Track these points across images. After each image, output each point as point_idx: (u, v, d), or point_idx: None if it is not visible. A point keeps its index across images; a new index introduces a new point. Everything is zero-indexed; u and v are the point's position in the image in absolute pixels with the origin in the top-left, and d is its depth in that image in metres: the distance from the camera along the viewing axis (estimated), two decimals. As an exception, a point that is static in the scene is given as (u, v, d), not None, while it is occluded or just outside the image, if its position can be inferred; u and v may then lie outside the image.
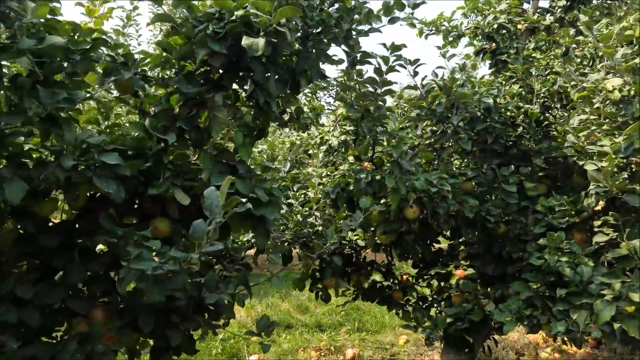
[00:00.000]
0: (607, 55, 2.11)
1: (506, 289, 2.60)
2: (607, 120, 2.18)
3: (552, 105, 2.74)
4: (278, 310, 4.98)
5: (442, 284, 3.06)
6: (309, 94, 5.12)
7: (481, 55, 3.03)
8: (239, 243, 3.16)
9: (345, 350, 4.03)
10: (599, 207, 2.32)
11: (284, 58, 1.72)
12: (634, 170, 2.06)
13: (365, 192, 2.30)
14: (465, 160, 2.83)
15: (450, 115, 2.39)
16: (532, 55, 3.10)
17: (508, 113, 2.73)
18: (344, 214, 2.54)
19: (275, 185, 2.47)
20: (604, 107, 2.17)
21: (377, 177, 2.28)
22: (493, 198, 2.62)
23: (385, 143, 2.32)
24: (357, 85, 2.23)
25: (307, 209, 2.81)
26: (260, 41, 1.41)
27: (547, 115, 2.74)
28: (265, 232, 1.62)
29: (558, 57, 2.92)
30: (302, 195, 2.84)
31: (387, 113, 2.20)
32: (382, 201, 2.35)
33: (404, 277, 3.21)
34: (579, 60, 2.70)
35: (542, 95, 2.74)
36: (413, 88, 2.41)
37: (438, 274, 3.06)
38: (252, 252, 2.29)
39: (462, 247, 3.12)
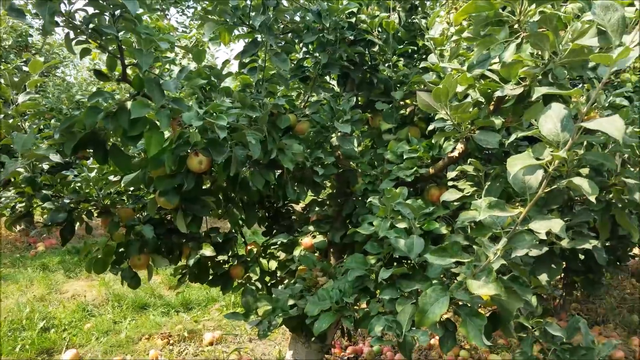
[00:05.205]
0: None
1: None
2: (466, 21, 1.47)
3: (422, 11, 2.01)
4: (142, 285, 4.19)
5: (286, 255, 2.39)
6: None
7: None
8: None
9: (204, 334, 3.36)
10: (456, 153, 1.66)
11: None
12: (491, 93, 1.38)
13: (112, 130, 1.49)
14: (305, 91, 2.08)
15: (251, 14, 1.59)
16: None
17: (364, 25, 1.97)
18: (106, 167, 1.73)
19: None
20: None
21: (129, 106, 1.47)
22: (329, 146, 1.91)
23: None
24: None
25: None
26: None
27: (414, 28, 2.00)
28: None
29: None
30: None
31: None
32: (139, 143, 1.54)
33: (249, 247, 2.51)
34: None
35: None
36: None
37: (283, 243, 2.38)
38: None
39: (317, 208, 2.45)
